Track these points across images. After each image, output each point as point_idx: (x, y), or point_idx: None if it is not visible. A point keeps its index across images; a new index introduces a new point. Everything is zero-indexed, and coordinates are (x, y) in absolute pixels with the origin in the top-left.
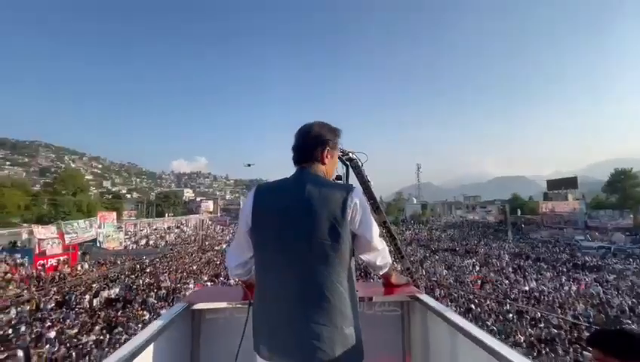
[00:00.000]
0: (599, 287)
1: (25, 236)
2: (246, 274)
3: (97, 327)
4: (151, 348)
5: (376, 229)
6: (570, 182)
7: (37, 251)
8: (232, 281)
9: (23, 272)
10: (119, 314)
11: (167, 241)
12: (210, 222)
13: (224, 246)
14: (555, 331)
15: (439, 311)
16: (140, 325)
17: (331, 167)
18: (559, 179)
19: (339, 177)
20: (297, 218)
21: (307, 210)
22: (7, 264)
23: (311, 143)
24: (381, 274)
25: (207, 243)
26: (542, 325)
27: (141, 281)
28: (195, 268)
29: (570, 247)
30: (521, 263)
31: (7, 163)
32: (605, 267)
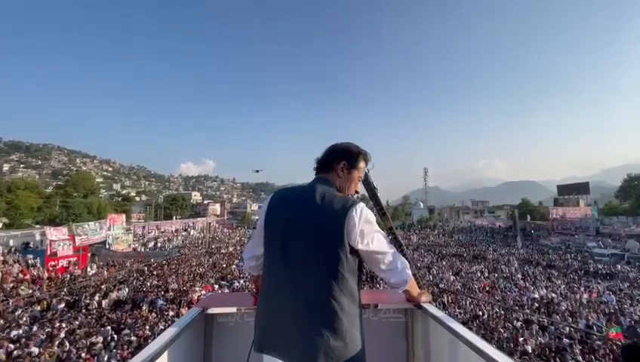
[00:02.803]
0: (612, 296)
1: (38, 237)
2: (257, 269)
3: (106, 328)
4: (172, 348)
5: (380, 245)
6: (582, 188)
7: (49, 252)
8: (237, 284)
9: (35, 273)
10: (127, 315)
11: (177, 244)
12: (217, 225)
13: (230, 249)
14: (567, 341)
15: (442, 320)
16: (147, 327)
17: (346, 184)
18: (570, 185)
19: None
20: (300, 229)
21: (309, 222)
22: (20, 264)
23: (332, 155)
24: (400, 291)
25: (213, 246)
26: (552, 334)
27: (149, 283)
28: (201, 270)
29: (581, 254)
30: (531, 270)
31: (22, 165)
32: (618, 275)
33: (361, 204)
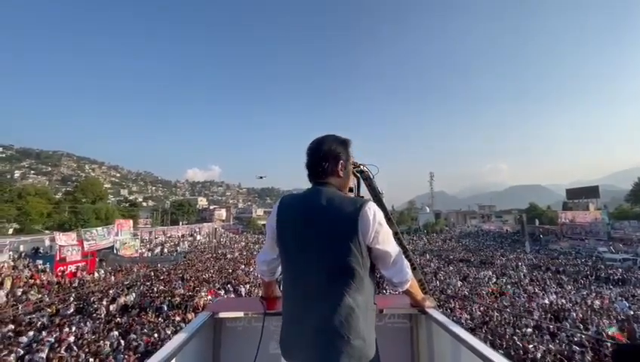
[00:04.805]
0: (624, 302)
1: (47, 243)
2: (269, 273)
3: (114, 333)
4: (182, 353)
5: (390, 244)
6: (592, 191)
7: (58, 257)
8: (242, 290)
9: (44, 278)
10: (134, 320)
11: (183, 250)
12: (222, 231)
13: (236, 254)
14: (577, 348)
15: (446, 326)
16: (156, 334)
17: (346, 180)
18: (579, 188)
19: (350, 189)
20: (313, 231)
21: (322, 224)
22: (30, 270)
23: (323, 159)
24: (401, 291)
25: (219, 251)
26: (562, 341)
27: (155, 289)
28: (207, 276)
29: (592, 259)
30: (540, 275)
31: (32, 172)
32: (631, 280)
33: (373, 204)
